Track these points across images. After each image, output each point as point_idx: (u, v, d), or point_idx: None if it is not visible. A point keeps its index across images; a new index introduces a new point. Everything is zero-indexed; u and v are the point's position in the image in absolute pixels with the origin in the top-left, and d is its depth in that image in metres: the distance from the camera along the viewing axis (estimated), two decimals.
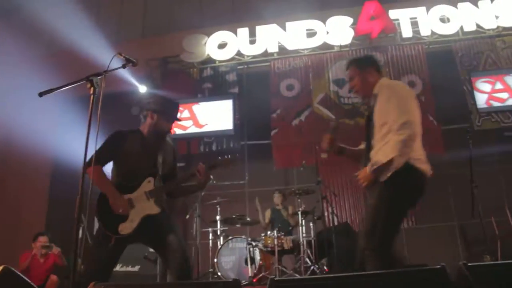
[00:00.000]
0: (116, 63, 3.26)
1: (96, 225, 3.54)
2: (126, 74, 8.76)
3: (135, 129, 3.77)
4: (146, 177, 3.56)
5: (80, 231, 6.19)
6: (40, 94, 2.80)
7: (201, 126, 9.20)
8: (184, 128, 9.17)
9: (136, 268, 6.49)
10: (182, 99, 9.22)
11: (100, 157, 3.49)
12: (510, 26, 9.01)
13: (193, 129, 9.24)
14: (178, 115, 3.86)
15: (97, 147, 3.20)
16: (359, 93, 3.64)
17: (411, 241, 7.28)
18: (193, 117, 9.24)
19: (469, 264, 2.04)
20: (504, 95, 8.70)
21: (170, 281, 3.26)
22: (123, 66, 3.33)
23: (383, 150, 3.13)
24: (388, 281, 2.01)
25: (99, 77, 3.00)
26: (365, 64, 3.63)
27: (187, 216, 7.15)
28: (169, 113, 3.73)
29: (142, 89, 9.18)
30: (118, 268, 6.17)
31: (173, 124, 3.83)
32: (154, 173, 3.61)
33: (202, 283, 2.42)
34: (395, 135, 3.10)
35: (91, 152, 2.97)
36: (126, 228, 3.40)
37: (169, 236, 3.41)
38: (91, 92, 2.94)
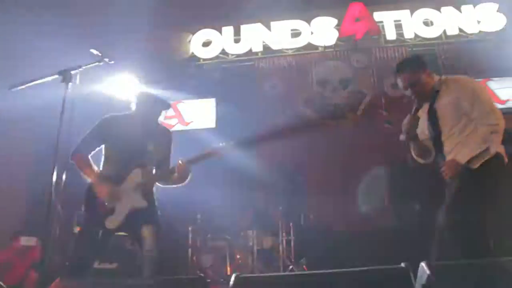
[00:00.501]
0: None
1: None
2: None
3: (125, 114, 3.75)
4: (134, 167, 3.52)
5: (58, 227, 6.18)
6: (10, 87, 2.78)
7: (187, 124, 9.18)
8: (170, 126, 9.12)
9: (114, 265, 6.44)
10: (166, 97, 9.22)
11: (84, 145, 3.48)
12: (492, 31, 9.09)
13: (179, 127, 9.19)
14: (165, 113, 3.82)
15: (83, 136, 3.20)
16: (421, 96, 3.60)
17: None
18: (178, 115, 9.21)
19: (432, 263, 2.06)
20: None
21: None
22: (99, 62, 3.31)
23: (474, 141, 3.23)
24: (351, 279, 2.02)
25: (72, 72, 2.99)
26: (422, 65, 3.70)
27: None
28: (157, 101, 3.72)
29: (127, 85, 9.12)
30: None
31: (163, 112, 3.81)
32: (143, 163, 3.56)
33: (167, 279, 2.42)
34: (485, 125, 3.23)
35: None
36: (112, 222, 3.39)
37: (148, 232, 3.39)
38: (65, 87, 2.93)
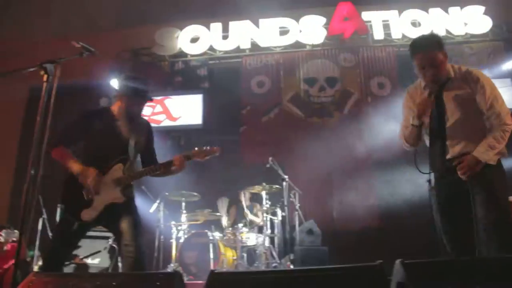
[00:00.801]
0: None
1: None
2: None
3: (105, 108, 3.75)
4: (115, 163, 3.50)
5: (41, 223, 6.15)
6: None
7: (174, 119, 9.14)
8: (158, 122, 9.09)
9: (96, 261, 6.43)
10: (153, 92, 9.18)
11: (65, 138, 3.45)
12: (477, 33, 9.18)
13: (167, 123, 9.16)
14: (149, 109, 3.77)
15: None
16: (436, 79, 3.32)
17: None
18: (166, 111, 9.17)
19: (406, 261, 2.08)
20: None
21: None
22: (81, 55, 3.28)
23: (495, 140, 3.14)
24: (325, 277, 2.03)
25: (53, 65, 2.96)
26: (442, 45, 3.39)
27: (151, 210, 7.08)
28: (139, 94, 3.61)
29: (113, 81, 9.06)
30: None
31: (145, 104, 3.73)
32: (125, 160, 3.54)
33: (142, 274, 2.41)
34: (502, 126, 3.16)
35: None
36: (88, 214, 3.35)
37: (127, 226, 3.37)
38: (45, 79, 2.90)
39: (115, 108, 3.65)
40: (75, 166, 3.39)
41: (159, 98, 9.14)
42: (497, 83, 8.78)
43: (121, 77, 3.82)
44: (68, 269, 5.73)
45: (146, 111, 8.90)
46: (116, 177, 3.47)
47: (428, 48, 3.29)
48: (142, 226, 3.53)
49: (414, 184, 7.19)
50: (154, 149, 3.84)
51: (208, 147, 3.78)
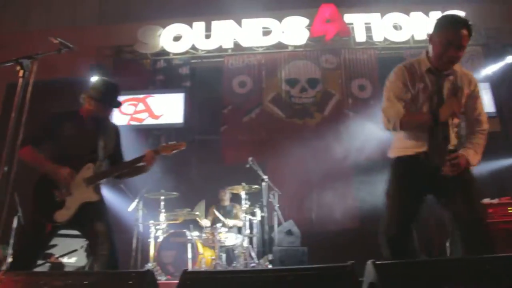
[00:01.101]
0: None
1: None
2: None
3: (74, 110, 3.67)
4: (85, 163, 3.49)
5: (16, 220, 6.06)
6: None
7: (156, 117, 9.08)
8: (140, 120, 9.05)
9: (73, 260, 6.37)
10: (134, 91, 9.14)
11: (34, 138, 3.42)
12: None
13: (149, 121, 9.10)
14: (122, 105, 3.78)
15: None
16: (450, 66, 3.17)
17: None
18: (148, 109, 9.12)
19: (377, 262, 2.10)
20: None
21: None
22: (59, 51, 3.25)
23: (480, 146, 3.15)
24: (298, 277, 2.04)
25: (29, 60, 2.93)
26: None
27: (130, 209, 7.04)
28: (108, 98, 3.61)
29: (93, 77, 8.97)
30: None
31: (114, 110, 3.74)
32: (94, 159, 3.54)
33: (114, 273, 2.40)
34: (485, 132, 3.20)
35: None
36: (62, 215, 3.33)
37: (100, 226, 3.37)
38: (21, 75, 2.87)
39: (84, 110, 3.63)
40: (48, 165, 3.38)
41: (141, 96, 9.11)
42: None
43: (93, 81, 3.81)
44: (43, 268, 5.66)
45: (129, 110, 8.90)
46: (87, 176, 3.47)
47: (467, 28, 3.09)
48: (111, 225, 3.52)
49: None
50: (123, 151, 3.85)
51: (175, 142, 3.82)
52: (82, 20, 10.26)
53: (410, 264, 2.25)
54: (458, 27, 3.08)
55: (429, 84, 3.18)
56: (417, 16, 9.34)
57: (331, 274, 2.08)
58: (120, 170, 3.67)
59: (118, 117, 8.72)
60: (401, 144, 3.25)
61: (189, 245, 6.58)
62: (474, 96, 3.23)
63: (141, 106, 9.10)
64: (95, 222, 3.38)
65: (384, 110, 3.25)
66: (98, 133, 3.61)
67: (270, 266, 6.74)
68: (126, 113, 8.97)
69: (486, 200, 6.63)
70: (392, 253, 2.99)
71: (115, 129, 3.84)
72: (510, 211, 6.43)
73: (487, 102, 8.97)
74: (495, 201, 6.60)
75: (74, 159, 3.45)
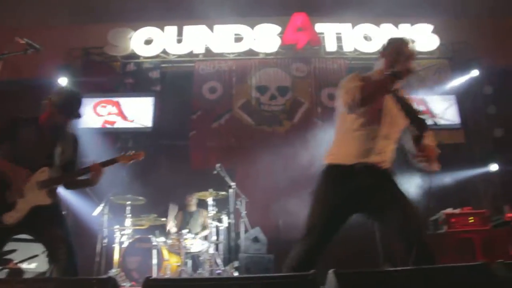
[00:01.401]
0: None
1: None
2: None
3: (33, 116, 3.59)
4: (40, 167, 3.42)
5: None
6: None
7: (128, 121, 8.93)
8: (112, 123, 8.91)
9: (33, 266, 6.19)
10: (104, 93, 9.02)
11: None
12: (425, 51, 9.51)
13: (120, 124, 8.96)
14: (86, 111, 3.73)
15: None
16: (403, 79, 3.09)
17: None
18: (120, 112, 8.98)
19: (338, 271, 2.10)
20: None
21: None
22: (25, 51, 3.20)
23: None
24: (259, 285, 2.03)
25: None
26: None
27: (95, 213, 6.92)
28: (69, 109, 3.56)
29: (62, 79, 8.81)
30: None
31: (73, 120, 3.66)
32: (50, 163, 3.47)
33: (74, 280, 2.35)
34: None
35: None
36: (11, 217, 3.25)
37: (56, 230, 3.30)
38: None
39: (44, 116, 3.58)
40: (2, 164, 3.31)
41: (115, 99, 8.98)
42: (443, 99, 9.19)
43: (58, 88, 3.75)
44: (0, 274, 5.49)
45: (102, 112, 8.77)
46: (41, 180, 3.40)
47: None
48: (68, 229, 3.45)
49: None
50: (77, 162, 3.77)
51: (133, 152, 3.83)
52: (51, 20, 10.06)
53: (371, 274, 2.26)
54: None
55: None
56: (387, 28, 9.51)
57: (293, 282, 2.07)
58: (66, 179, 3.59)
59: (92, 120, 8.63)
60: (338, 151, 3.17)
61: (154, 251, 6.49)
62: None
63: (113, 109, 8.97)
64: (49, 226, 3.31)
65: (343, 91, 3.11)
66: (56, 139, 3.57)
67: (236, 273, 6.72)
68: (100, 115, 8.84)
69: (449, 210, 6.77)
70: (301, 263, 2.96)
71: (74, 138, 3.78)
72: (471, 221, 6.58)
73: (452, 114, 9.19)
74: (457, 211, 6.74)
75: (29, 162, 3.38)
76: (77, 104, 3.61)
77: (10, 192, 3.29)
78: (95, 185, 3.70)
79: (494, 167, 9.04)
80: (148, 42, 9.32)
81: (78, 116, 3.62)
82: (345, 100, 3.02)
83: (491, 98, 9.51)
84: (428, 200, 8.47)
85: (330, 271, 2.14)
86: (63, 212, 3.58)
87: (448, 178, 8.64)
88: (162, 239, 6.81)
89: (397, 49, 3.17)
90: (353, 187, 2.99)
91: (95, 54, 9.53)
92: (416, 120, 3.05)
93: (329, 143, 3.26)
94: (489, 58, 9.45)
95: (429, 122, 3.11)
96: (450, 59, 9.74)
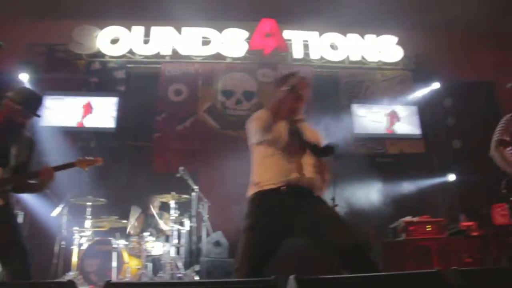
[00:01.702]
0: None
1: None
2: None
3: None
4: None
5: None
6: None
7: (90, 121, 8.75)
8: (75, 122, 8.71)
9: None
10: (67, 92, 8.83)
11: None
12: (390, 62, 9.74)
13: (83, 123, 8.75)
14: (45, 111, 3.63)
15: None
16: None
17: None
18: (86, 112, 8.79)
19: (299, 277, 2.13)
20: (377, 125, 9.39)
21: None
22: None
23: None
24: None
25: None
26: None
27: (54, 214, 6.76)
28: (29, 108, 3.50)
29: (23, 75, 8.58)
30: None
31: (31, 119, 3.62)
32: (4, 164, 3.38)
33: (31, 283, 2.29)
34: None
35: None
36: None
37: (7, 232, 3.24)
38: None
39: (1, 115, 3.49)
40: None
41: (78, 98, 8.80)
42: (405, 110, 9.39)
43: (18, 87, 3.70)
44: None
45: (67, 111, 8.56)
46: None
47: None
48: (21, 231, 3.37)
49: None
50: (30, 165, 3.68)
51: (92, 157, 3.76)
52: (14, 14, 9.80)
53: (331, 280, 2.29)
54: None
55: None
56: (353, 37, 9.69)
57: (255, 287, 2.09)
58: (16, 181, 3.48)
59: (53, 118, 8.43)
60: (261, 178, 3.22)
61: (114, 254, 6.38)
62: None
63: (78, 108, 8.77)
64: (0, 228, 3.23)
65: (253, 122, 3.30)
66: (11, 139, 3.48)
67: (196, 277, 6.68)
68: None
69: (408, 218, 6.92)
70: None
71: (30, 140, 3.69)
72: (428, 229, 6.75)
73: (414, 125, 9.41)
74: (416, 219, 6.90)
75: None
76: (38, 103, 3.57)
77: None
78: (44, 190, 3.65)
79: (452, 177, 9.30)
80: (114, 41, 9.19)
81: (38, 115, 3.56)
82: (257, 125, 3.20)
83: (451, 110, 9.78)
84: (386, 207, 8.66)
85: (291, 277, 2.16)
86: (17, 213, 3.47)
87: (408, 187, 8.84)
88: (123, 241, 6.71)
89: (297, 87, 3.26)
90: (281, 210, 3.05)
91: (59, 51, 9.30)
92: (312, 151, 3.22)
93: (250, 175, 3.31)
94: (449, 71, 9.72)
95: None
96: (413, 71, 9.98)
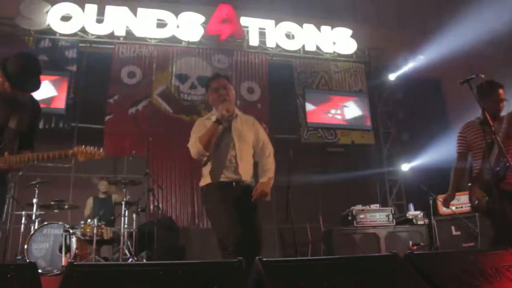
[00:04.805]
0: None
1: None
2: None
3: None
4: None
5: None
6: None
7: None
8: None
9: None
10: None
11: None
12: (343, 54, 9.96)
13: None
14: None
15: None
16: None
17: None
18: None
19: (264, 259, 2.17)
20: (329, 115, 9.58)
21: None
22: None
23: (270, 168, 3.80)
24: (184, 271, 2.03)
25: None
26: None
27: None
28: (18, 84, 3.14)
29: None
30: None
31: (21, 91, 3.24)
32: None
33: None
34: (271, 155, 3.91)
35: None
36: None
37: None
38: None
39: None
40: None
41: None
42: (357, 102, 9.62)
43: (14, 55, 3.18)
44: None
45: None
46: None
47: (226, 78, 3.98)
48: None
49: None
50: (34, 132, 3.43)
51: (93, 148, 3.53)
52: None
53: (294, 262, 2.36)
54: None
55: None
56: (309, 28, 9.80)
57: (220, 269, 2.11)
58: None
59: None
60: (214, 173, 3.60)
61: (63, 238, 6.23)
62: (256, 133, 3.86)
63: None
64: None
65: (190, 145, 3.70)
66: (9, 112, 3.20)
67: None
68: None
69: (358, 207, 7.14)
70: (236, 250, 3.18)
71: (33, 105, 3.40)
72: (377, 217, 7.05)
73: (365, 117, 9.65)
74: (365, 208, 7.14)
75: None
76: (29, 78, 3.22)
77: None
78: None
79: (400, 168, 9.64)
80: (66, 18, 8.80)
81: (36, 89, 3.28)
82: (193, 153, 3.62)
83: (401, 104, 10.10)
84: (337, 196, 8.87)
85: (256, 259, 2.20)
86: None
87: (358, 176, 9.08)
88: (73, 225, 6.56)
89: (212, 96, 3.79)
90: (229, 196, 3.51)
91: (5, 25, 8.80)
92: None
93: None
94: (401, 67, 10.01)
95: None
96: (366, 64, 10.22)
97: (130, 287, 1.92)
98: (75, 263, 1.99)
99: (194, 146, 3.59)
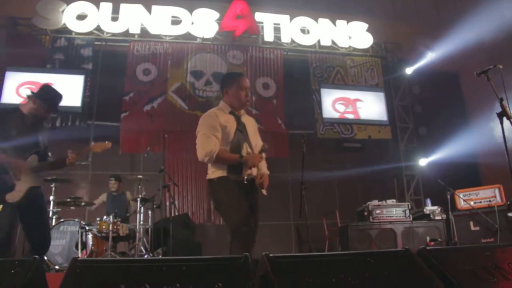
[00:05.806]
0: None
1: None
2: None
3: (14, 107, 4.09)
4: (30, 154, 3.90)
5: None
6: None
7: None
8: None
9: None
10: (30, 68, 8.56)
11: None
12: (359, 48, 9.84)
13: None
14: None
15: None
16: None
17: None
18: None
19: (270, 255, 2.14)
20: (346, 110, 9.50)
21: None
22: None
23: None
24: (192, 267, 2.01)
25: None
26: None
27: None
28: (51, 104, 4.07)
29: None
30: None
31: (51, 113, 4.31)
32: (37, 151, 3.95)
33: None
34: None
35: None
36: (14, 196, 3.70)
37: (42, 211, 4.06)
38: None
39: (25, 107, 4.00)
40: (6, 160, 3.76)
41: (42, 74, 8.49)
42: (373, 96, 9.51)
43: (43, 86, 4.18)
44: None
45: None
46: (33, 166, 3.89)
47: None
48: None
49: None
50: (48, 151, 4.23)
51: (105, 141, 4.30)
52: None
53: (300, 257, 2.33)
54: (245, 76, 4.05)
55: (234, 122, 3.79)
56: (324, 23, 9.71)
57: (227, 265, 2.08)
58: (47, 168, 4.15)
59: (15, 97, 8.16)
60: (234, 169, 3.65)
61: (80, 234, 6.30)
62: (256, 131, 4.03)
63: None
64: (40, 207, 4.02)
65: (200, 143, 3.68)
66: (38, 129, 4.04)
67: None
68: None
69: (374, 202, 7.06)
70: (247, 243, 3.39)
71: (48, 130, 4.29)
72: (393, 213, 6.96)
73: (381, 111, 9.54)
74: (382, 203, 7.07)
75: (20, 151, 3.83)
76: (59, 100, 4.18)
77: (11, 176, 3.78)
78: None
79: (418, 162, 9.50)
80: (81, 17, 8.87)
81: (57, 111, 4.22)
82: (201, 156, 3.62)
83: (418, 98, 9.96)
84: (353, 191, 8.78)
85: (263, 254, 2.18)
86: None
87: (374, 171, 8.99)
88: (90, 222, 6.62)
89: (239, 87, 3.88)
90: (241, 190, 3.60)
91: (23, 25, 8.93)
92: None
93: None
94: (418, 60, 9.88)
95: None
96: (382, 58, 10.10)
97: (133, 282, 1.90)
98: (79, 258, 1.98)
99: (206, 151, 3.57)
